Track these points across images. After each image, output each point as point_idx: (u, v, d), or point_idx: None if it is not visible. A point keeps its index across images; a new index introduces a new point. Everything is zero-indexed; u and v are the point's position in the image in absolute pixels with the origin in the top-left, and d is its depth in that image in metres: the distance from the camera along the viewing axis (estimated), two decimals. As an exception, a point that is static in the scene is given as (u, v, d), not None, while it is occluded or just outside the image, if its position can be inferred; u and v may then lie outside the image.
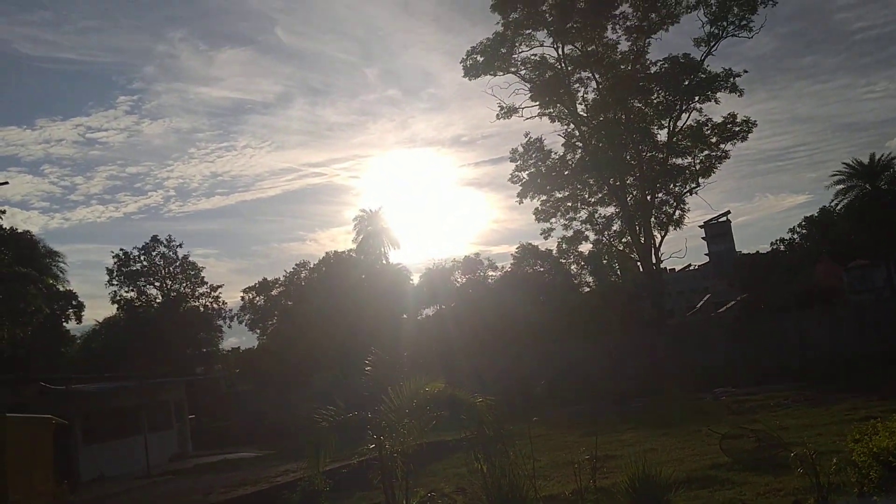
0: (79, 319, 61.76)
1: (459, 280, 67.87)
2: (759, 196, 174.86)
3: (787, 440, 15.06)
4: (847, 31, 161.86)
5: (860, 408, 20.64)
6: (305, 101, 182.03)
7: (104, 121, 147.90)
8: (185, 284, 69.63)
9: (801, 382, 31.65)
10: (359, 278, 62.26)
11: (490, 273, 67.83)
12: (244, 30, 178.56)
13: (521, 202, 52.86)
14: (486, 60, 50.07)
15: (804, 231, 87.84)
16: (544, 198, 52.72)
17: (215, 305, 70.19)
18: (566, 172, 52.03)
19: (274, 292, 67.74)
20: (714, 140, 48.81)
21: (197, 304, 69.92)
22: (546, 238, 54.56)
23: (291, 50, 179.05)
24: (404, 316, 63.55)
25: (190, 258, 69.93)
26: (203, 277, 70.84)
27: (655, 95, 49.83)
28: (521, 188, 52.44)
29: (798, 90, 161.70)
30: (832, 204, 66.51)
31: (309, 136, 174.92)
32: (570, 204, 52.88)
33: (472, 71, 50.53)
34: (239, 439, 42.51)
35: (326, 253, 67.99)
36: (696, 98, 48.52)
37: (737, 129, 48.11)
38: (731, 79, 47.36)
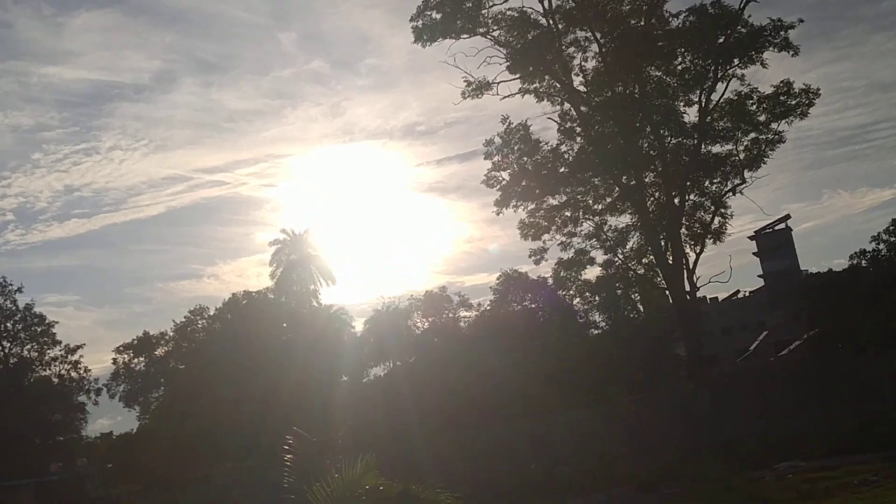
0: None
1: (419, 325, 67.20)
2: (829, 193, 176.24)
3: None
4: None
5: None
6: (195, 80, 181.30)
7: None
8: (29, 346, 68.98)
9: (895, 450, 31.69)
10: (278, 328, 62.52)
11: (462, 314, 67.24)
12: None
13: (500, 213, 53.04)
14: (444, 18, 50.39)
15: (894, 239, 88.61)
16: (533, 206, 53.01)
17: (75, 374, 69.50)
18: (562, 170, 52.28)
19: (159, 352, 67.85)
20: (763, 118, 49.39)
21: (48, 372, 69.29)
22: (538, 262, 54.84)
23: (173, 10, 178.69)
24: (343, 378, 63.55)
25: (35, 309, 69.18)
26: (55, 335, 70.07)
27: (680, 60, 50.31)
28: (500, 194, 52.60)
29: (876, 47, 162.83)
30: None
31: (202, 130, 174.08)
32: (568, 214, 53.32)
33: (426, 33, 50.71)
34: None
35: (233, 294, 67.90)
36: (736, 61, 49.00)
37: (793, 101, 48.55)
38: (782, 32, 47.88)
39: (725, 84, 49.86)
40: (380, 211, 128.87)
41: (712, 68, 49.54)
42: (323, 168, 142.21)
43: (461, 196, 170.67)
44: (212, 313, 68.08)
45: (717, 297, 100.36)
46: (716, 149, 51.12)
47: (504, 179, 52.67)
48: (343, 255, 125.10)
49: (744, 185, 50.54)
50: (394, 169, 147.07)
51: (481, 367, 51.82)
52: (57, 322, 71.06)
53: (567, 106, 52.56)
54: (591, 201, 53.35)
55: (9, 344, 68.37)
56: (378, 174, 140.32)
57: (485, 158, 53.21)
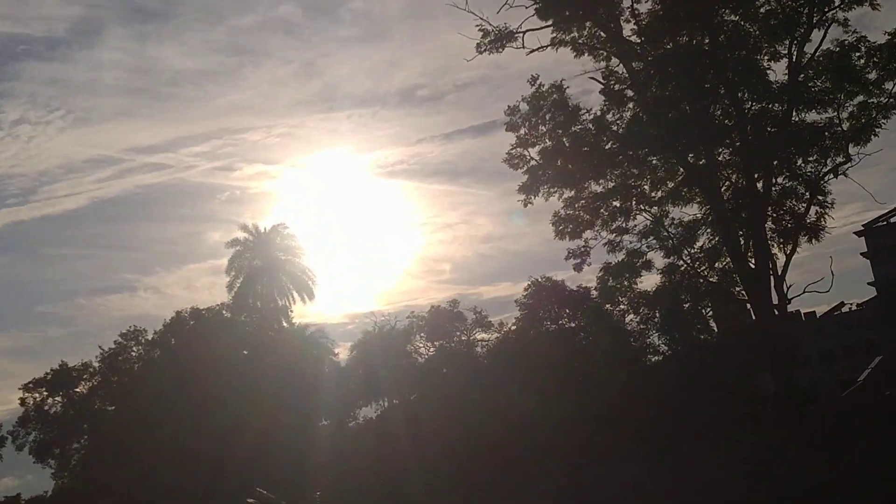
0: None
1: (423, 351, 67.91)
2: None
3: None
4: None
5: None
6: (126, 32, 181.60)
7: None
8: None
9: None
10: (237, 356, 62.81)
11: (480, 336, 68.27)
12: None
13: (528, 203, 52.60)
14: (452, -53, 50.02)
15: None
16: (571, 194, 52.74)
17: (-30, 419, 69.42)
18: (608, 145, 51.84)
19: (81, 389, 68.30)
20: (873, 76, 48.45)
21: (-65, 417, 69.37)
22: (578, 268, 54.21)
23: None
24: (323, 422, 64.96)
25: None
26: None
27: (763, 0, 49.73)
28: (527, 178, 52.14)
29: None
30: None
31: (136, 98, 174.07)
32: (617, 204, 52.89)
33: (428, -33, 50.44)
34: None
35: (177, 312, 68.29)
36: (836, 2, 48.21)
37: (912, 54, 48.06)
38: (896, -35, 47.41)
39: (823, 32, 48.98)
40: (370, 202, 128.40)
41: (805, 11, 48.82)
42: (295, 146, 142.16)
43: (476, 181, 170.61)
44: (150, 337, 68.73)
45: (814, 312, 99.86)
46: (811, 116, 49.96)
47: (532, 158, 52.31)
48: (322, 260, 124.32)
49: (848, 165, 49.58)
50: (388, 148, 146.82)
51: (505, 406, 52.29)
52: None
53: (615, 62, 52.32)
54: (647, 187, 53.04)
55: None
56: (367, 153, 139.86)
57: (507, 130, 52.64)
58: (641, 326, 61.16)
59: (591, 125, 52.02)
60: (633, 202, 52.72)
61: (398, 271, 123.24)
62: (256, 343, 63.58)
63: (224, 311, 66.74)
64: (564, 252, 53.89)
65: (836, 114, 49.45)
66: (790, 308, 53.69)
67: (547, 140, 52.20)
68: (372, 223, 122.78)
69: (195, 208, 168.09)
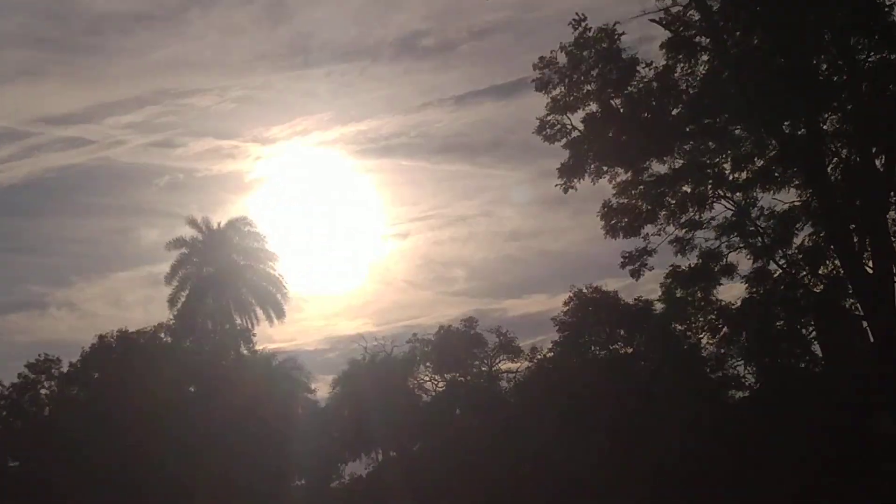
0: None
1: (429, 385, 67.94)
2: None
3: None
4: None
5: None
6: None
7: None
8: None
9: None
10: (181, 394, 63.37)
11: (505, 366, 69.29)
12: None
13: (569, 188, 52.18)
14: None
15: None
16: (626, 176, 52.49)
17: None
18: (675, 111, 51.37)
19: None
20: None
21: None
22: (636, 275, 53.74)
23: None
24: (298, 482, 65.17)
25: None
26: None
27: None
28: (569, 154, 51.76)
29: None
30: None
31: (46, 52, 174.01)
32: (688, 189, 52.87)
33: None
34: None
35: (100, 336, 68.95)
36: None
37: None
38: None
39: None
40: (358, 188, 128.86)
41: (941, -74, 48.91)
42: (257, 113, 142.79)
43: (499, 159, 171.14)
44: (65, 370, 68.52)
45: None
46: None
47: (575, 128, 51.69)
48: (295, 266, 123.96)
49: None
50: (381, 113, 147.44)
51: (539, 459, 52.56)
52: None
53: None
54: (728, 166, 52.78)
55: None
56: (353, 122, 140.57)
57: (536, 90, 51.80)
58: (721, 351, 61.38)
59: (652, 84, 51.09)
60: (710, 187, 52.64)
61: (395, 280, 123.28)
62: (207, 377, 63.53)
63: (163, 335, 66.95)
64: (617, 254, 53.69)
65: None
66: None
67: (593, 103, 51.23)
68: (360, 216, 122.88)
69: (125, 197, 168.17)
